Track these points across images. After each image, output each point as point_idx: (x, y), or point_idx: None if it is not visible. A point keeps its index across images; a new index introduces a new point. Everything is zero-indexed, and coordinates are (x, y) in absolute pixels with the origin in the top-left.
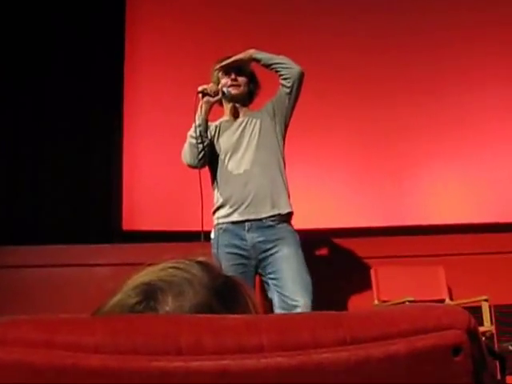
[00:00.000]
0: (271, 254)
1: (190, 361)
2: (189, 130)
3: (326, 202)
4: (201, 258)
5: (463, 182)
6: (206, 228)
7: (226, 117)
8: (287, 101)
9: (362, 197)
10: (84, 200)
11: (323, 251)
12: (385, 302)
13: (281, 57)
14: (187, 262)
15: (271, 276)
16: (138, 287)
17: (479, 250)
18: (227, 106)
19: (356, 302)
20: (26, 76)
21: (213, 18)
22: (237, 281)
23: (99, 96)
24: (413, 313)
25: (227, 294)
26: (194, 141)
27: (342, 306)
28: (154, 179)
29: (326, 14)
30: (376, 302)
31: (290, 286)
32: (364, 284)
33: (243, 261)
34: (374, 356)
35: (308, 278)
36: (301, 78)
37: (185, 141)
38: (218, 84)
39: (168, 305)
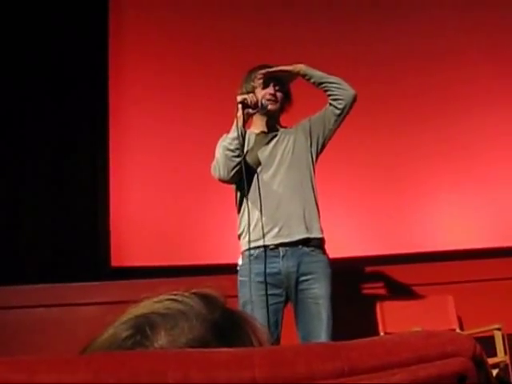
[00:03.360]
0: (301, 290)
1: None
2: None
3: (328, 231)
4: (202, 290)
5: (472, 207)
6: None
7: (256, 130)
8: (333, 122)
9: (367, 225)
10: (70, 236)
11: None
12: (391, 334)
13: (334, 77)
14: (186, 293)
15: (295, 314)
16: (130, 321)
17: (490, 276)
18: (260, 118)
19: (360, 335)
20: None
21: (198, 31)
22: (241, 315)
23: (84, 131)
24: (415, 341)
25: (227, 329)
26: (230, 153)
27: (343, 338)
28: (142, 213)
29: (328, 54)
30: (382, 334)
31: (311, 329)
32: (369, 315)
33: (275, 291)
34: None
35: (329, 323)
36: (354, 101)
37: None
38: (250, 93)
39: (160, 339)
